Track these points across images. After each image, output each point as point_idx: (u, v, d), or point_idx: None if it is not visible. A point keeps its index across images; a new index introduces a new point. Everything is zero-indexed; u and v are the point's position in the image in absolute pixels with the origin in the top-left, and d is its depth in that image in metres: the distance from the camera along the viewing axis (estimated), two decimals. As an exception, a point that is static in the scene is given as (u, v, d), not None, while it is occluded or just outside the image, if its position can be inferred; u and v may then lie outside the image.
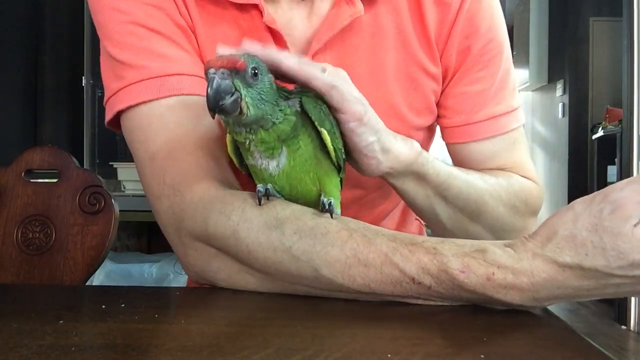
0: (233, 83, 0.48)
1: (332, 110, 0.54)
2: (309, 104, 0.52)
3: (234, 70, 0.48)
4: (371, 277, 0.49)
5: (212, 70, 0.47)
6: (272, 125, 0.50)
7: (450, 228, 0.68)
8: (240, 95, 0.48)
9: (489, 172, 0.71)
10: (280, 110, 0.51)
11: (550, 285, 0.45)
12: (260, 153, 0.52)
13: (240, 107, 0.48)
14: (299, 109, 0.52)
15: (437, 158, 0.65)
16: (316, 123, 0.52)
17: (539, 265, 0.44)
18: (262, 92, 0.49)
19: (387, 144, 0.58)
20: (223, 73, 0.47)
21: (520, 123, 0.74)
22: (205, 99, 0.47)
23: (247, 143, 0.51)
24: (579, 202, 0.45)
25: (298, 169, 0.53)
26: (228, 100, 0.47)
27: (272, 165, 0.52)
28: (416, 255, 0.48)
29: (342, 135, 0.56)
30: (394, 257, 0.48)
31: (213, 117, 0.48)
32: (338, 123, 0.55)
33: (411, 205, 0.67)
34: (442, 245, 0.48)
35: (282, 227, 0.52)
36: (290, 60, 0.51)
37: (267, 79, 0.50)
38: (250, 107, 0.48)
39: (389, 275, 0.49)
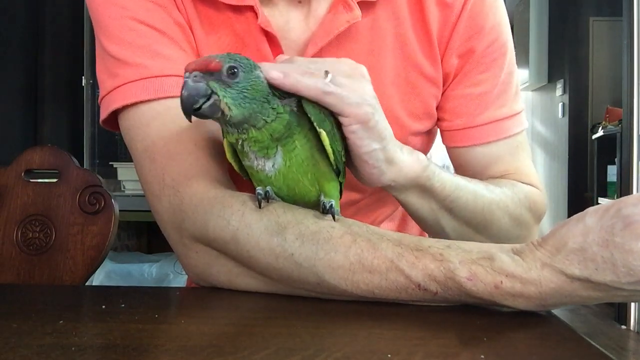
0: (208, 85, 0.47)
1: (334, 113, 0.52)
2: (308, 103, 0.51)
3: (208, 72, 0.47)
4: (375, 283, 0.49)
5: (186, 74, 0.47)
6: (264, 123, 0.49)
7: (454, 239, 0.66)
8: (219, 96, 0.47)
9: (493, 182, 0.69)
10: (272, 108, 0.50)
11: (558, 295, 0.44)
12: (254, 153, 0.51)
13: (222, 109, 0.47)
14: (294, 108, 0.51)
15: (443, 167, 0.63)
16: (315, 123, 0.50)
17: (547, 276, 0.44)
18: (245, 90, 0.48)
19: (392, 154, 0.56)
20: (195, 76, 0.47)
21: (523, 127, 0.73)
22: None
23: (240, 143, 0.51)
24: (591, 214, 0.44)
25: (295, 169, 0.52)
26: (205, 104, 0.47)
27: (268, 165, 0.52)
28: (422, 262, 0.47)
29: (344, 138, 0.54)
30: (399, 263, 0.48)
31: (190, 121, 0.48)
32: (340, 125, 0.53)
33: (414, 217, 0.66)
34: (448, 251, 0.48)
35: (283, 232, 0.51)
36: (273, 73, 0.49)
37: (253, 76, 0.49)
38: (232, 107, 0.47)
39: (394, 282, 0.48)
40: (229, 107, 0.47)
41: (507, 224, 0.67)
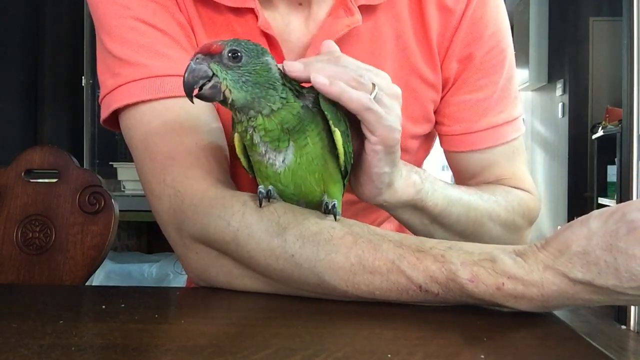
0: (210, 67, 0.47)
1: (364, 130, 0.52)
2: (325, 102, 0.50)
3: (209, 54, 0.48)
4: (376, 284, 0.49)
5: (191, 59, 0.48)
6: (270, 110, 0.49)
7: None
8: (219, 79, 0.48)
9: (488, 189, 0.69)
10: (281, 97, 0.49)
11: (560, 297, 0.44)
12: (266, 145, 0.51)
13: (223, 92, 0.48)
14: (309, 105, 0.51)
15: (437, 179, 0.63)
16: (331, 122, 0.50)
17: (550, 278, 0.44)
18: (247, 74, 0.48)
19: (393, 180, 0.56)
20: (197, 58, 0.48)
21: (520, 133, 0.73)
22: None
23: (250, 133, 0.50)
24: (595, 218, 0.44)
25: (304, 167, 0.52)
26: (206, 85, 0.48)
27: (279, 160, 0.51)
28: (424, 263, 0.47)
29: (357, 154, 0.54)
30: (400, 264, 0.48)
31: (192, 102, 0.48)
32: (354, 128, 0.53)
33: (405, 227, 0.66)
34: (450, 252, 0.48)
35: (284, 234, 0.51)
36: (319, 79, 0.48)
37: (259, 61, 0.49)
38: (233, 90, 0.48)
39: (395, 283, 0.48)
40: (229, 90, 0.48)
41: (498, 232, 0.68)
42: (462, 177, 0.75)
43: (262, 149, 0.51)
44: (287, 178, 0.52)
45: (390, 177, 0.55)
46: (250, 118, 0.50)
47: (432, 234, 0.64)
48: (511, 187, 0.72)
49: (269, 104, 0.49)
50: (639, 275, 0.41)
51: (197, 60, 0.47)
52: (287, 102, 0.50)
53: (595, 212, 0.45)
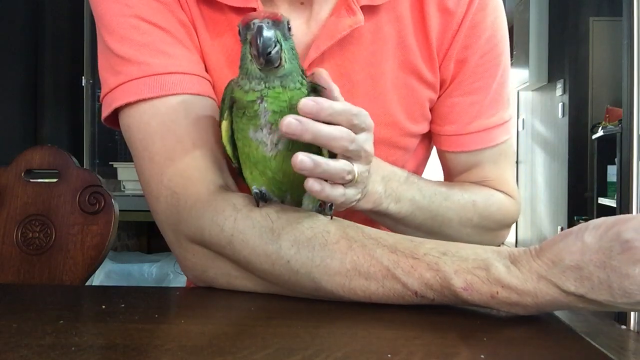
0: (276, 34, 0.49)
1: None
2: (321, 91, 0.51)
3: (275, 21, 0.49)
4: (372, 290, 0.49)
5: (257, 20, 0.48)
6: (293, 87, 0.50)
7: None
8: (281, 46, 0.49)
9: (469, 190, 0.70)
10: (300, 78, 0.51)
11: (554, 305, 0.45)
12: (266, 116, 0.50)
13: (281, 59, 0.49)
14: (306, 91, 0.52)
15: (413, 182, 0.64)
16: None
17: (543, 289, 0.44)
18: (292, 49, 0.51)
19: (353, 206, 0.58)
20: (268, 22, 0.48)
21: (509, 135, 0.74)
22: (249, 49, 0.49)
23: (258, 103, 0.50)
24: (590, 232, 0.44)
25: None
26: (273, 49, 0.48)
27: (272, 140, 0.51)
28: (418, 271, 0.48)
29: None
30: (395, 271, 0.48)
31: (261, 65, 0.48)
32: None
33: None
34: (444, 259, 0.48)
35: (278, 240, 0.51)
36: (310, 184, 0.48)
37: (293, 39, 0.52)
38: (287, 60, 0.49)
39: (391, 289, 0.49)
40: (285, 59, 0.49)
41: (467, 233, 0.69)
42: (447, 173, 0.76)
43: (262, 120, 0.51)
44: (278, 164, 0.52)
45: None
46: (268, 86, 0.50)
47: (397, 231, 0.66)
48: (494, 189, 0.73)
49: (298, 80, 0.51)
50: (631, 293, 0.42)
51: (268, 25, 0.48)
52: (301, 84, 0.51)
53: (592, 223, 0.44)
